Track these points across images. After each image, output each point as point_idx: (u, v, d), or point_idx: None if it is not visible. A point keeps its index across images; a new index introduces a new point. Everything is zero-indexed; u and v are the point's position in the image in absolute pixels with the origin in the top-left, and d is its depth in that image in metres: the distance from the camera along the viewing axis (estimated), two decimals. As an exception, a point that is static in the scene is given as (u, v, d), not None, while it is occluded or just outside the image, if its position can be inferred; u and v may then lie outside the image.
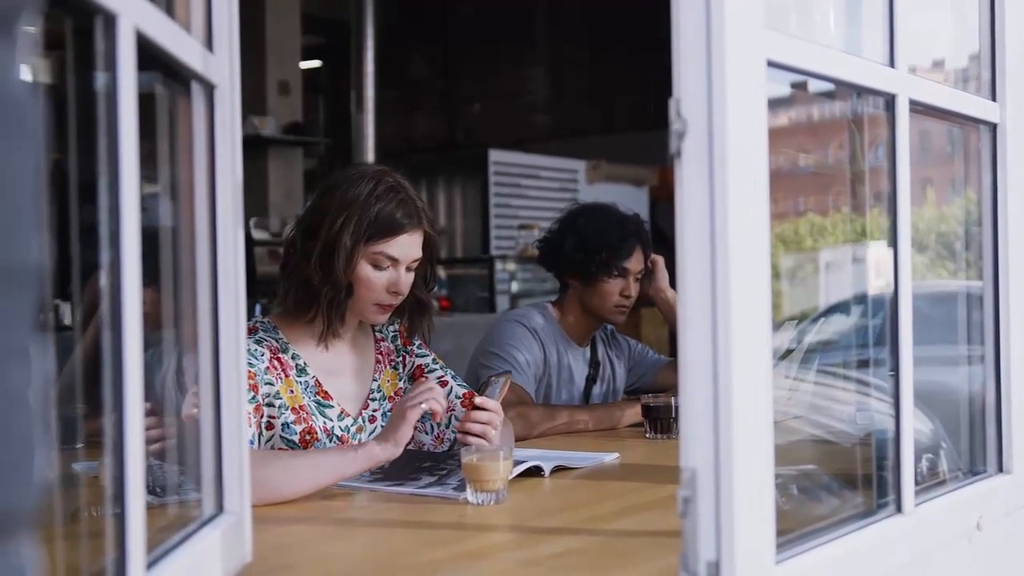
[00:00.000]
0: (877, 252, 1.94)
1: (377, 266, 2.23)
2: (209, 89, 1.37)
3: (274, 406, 2.18)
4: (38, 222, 0.58)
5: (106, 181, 1.01)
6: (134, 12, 1.04)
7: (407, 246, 2.24)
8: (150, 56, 1.12)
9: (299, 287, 2.25)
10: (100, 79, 1.02)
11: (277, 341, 2.26)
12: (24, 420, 0.56)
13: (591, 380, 3.19)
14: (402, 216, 2.22)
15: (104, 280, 1.03)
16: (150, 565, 1.09)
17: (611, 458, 2.40)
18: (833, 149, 2.12)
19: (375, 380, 2.39)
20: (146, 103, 1.08)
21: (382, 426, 2.32)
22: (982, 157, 1.87)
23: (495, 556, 1.64)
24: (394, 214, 2.21)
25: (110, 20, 1.00)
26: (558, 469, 2.23)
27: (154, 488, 1.34)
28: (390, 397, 2.39)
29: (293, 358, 2.26)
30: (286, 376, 2.23)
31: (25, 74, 0.60)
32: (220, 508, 1.40)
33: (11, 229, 0.55)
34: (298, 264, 2.24)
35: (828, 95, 1.81)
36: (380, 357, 2.42)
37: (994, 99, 1.85)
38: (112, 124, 1.01)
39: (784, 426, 1.63)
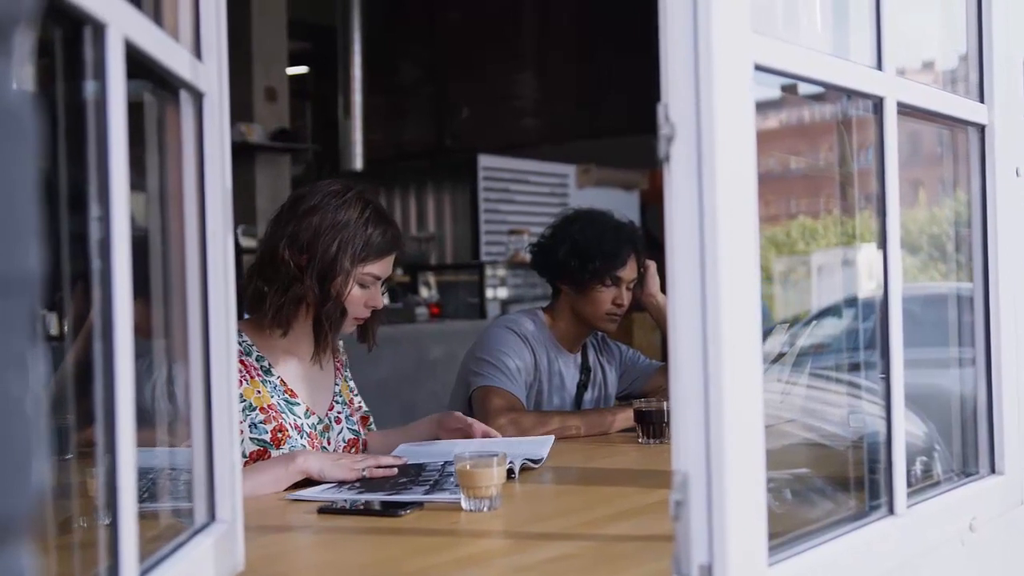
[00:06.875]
0: (868, 255, 1.95)
1: (363, 285, 2.36)
2: (198, 97, 1.36)
3: (239, 409, 2.22)
4: (36, 230, 0.58)
5: (96, 190, 1.01)
6: (123, 21, 1.04)
7: (390, 266, 2.41)
8: (138, 64, 1.11)
9: (292, 303, 2.32)
10: (89, 87, 1.01)
11: (240, 344, 2.31)
12: (22, 428, 0.57)
13: (582, 386, 3.19)
14: (391, 240, 2.37)
15: (95, 289, 1.02)
16: (143, 574, 1.09)
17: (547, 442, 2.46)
18: (824, 151, 2.12)
19: (336, 385, 2.51)
20: (133, 111, 1.08)
21: (348, 428, 2.48)
22: (970, 159, 1.88)
23: (489, 562, 1.64)
24: (385, 238, 2.36)
25: (99, 29, 1.00)
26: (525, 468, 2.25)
27: (143, 496, 1.33)
28: (348, 403, 2.52)
29: (258, 360, 2.34)
30: (252, 378, 2.31)
31: (21, 84, 0.60)
32: (212, 516, 1.39)
33: (10, 237, 0.55)
34: (290, 282, 2.31)
35: (818, 97, 1.81)
36: (339, 365, 2.55)
37: (982, 101, 1.85)
38: (102, 133, 1.01)
39: (777, 430, 1.63)
